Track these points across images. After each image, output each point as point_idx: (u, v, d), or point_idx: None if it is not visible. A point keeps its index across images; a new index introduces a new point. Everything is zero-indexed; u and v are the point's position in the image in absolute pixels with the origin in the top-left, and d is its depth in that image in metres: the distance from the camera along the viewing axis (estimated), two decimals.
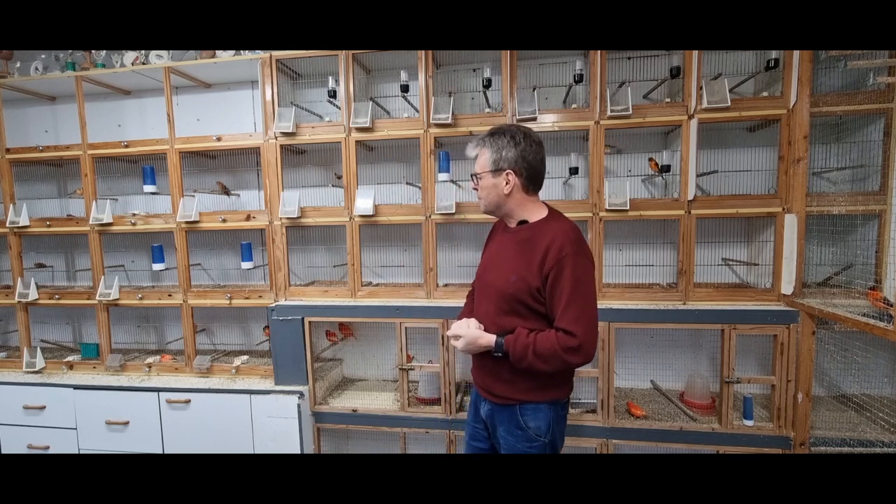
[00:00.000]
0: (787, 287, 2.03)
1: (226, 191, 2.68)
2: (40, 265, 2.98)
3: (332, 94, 2.40)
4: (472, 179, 1.48)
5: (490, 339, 1.42)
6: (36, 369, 2.66)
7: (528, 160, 1.39)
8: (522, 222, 1.46)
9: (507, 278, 1.41)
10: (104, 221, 2.55)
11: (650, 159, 2.33)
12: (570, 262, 1.32)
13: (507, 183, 1.40)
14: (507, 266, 1.43)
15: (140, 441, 2.46)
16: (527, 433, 1.44)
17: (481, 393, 1.56)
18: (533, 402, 1.44)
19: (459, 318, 1.58)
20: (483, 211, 1.50)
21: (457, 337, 1.46)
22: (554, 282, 1.33)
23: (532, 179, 1.42)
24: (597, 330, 1.35)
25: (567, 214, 2.15)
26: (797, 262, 1.99)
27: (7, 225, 2.64)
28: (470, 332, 1.45)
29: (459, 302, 1.98)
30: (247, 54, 2.43)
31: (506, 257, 1.45)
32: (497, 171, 1.40)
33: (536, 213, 1.45)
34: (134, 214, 2.61)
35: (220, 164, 2.80)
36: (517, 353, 1.36)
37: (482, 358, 1.50)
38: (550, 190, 2.52)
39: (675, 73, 2.14)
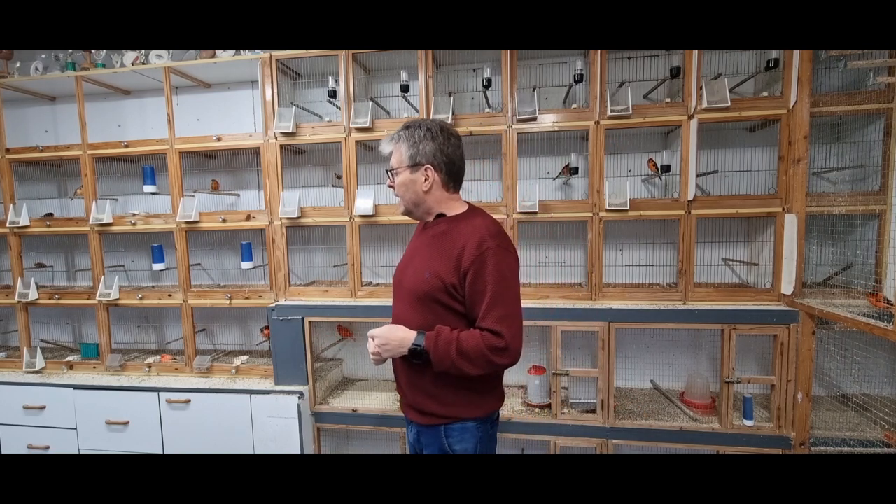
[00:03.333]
0: (787, 287, 2.03)
1: (215, 184, 2.71)
2: (40, 265, 2.98)
3: (332, 94, 2.40)
4: (388, 176, 1.35)
5: (407, 335, 1.26)
6: (36, 369, 2.66)
7: (448, 154, 1.30)
8: (440, 216, 1.36)
9: (421, 276, 1.29)
10: (104, 221, 2.55)
11: (650, 160, 2.34)
12: (491, 256, 1.21)
13: (425, 179, 1.30)
14: (421, 263, 1.32)
15: (140, 441, 2.46)
16: None
17: (407, 413, 1.41)
18: (459, 419, 1.30)
19: None
20: (401, 212, 1.39)
21: (373, 338, 1.29)
22: (475, 278, 1.21)
23: (452, 175, 1.33)
24: (522, 329, 1.23)
25: (567, 214, 2.20)
26: (797, 262, 1.99)
27: (7, 225, 2.64)
28: (385, 329, 1.29)
29: None
30: (247, 54, 2.43)
31: (421, 254, 1.34)
32: (415, 165, 1.30)
33: (456, 209, 1.36)
34: (134, 214, 2.61)
35: (220, 164, 2.80)
36: (439, 351, 1.21)
37: (407, 369, 1.34)
38: (550, 190, 2.52)
39: (675, 73, 2.14)
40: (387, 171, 1.36)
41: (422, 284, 1.28)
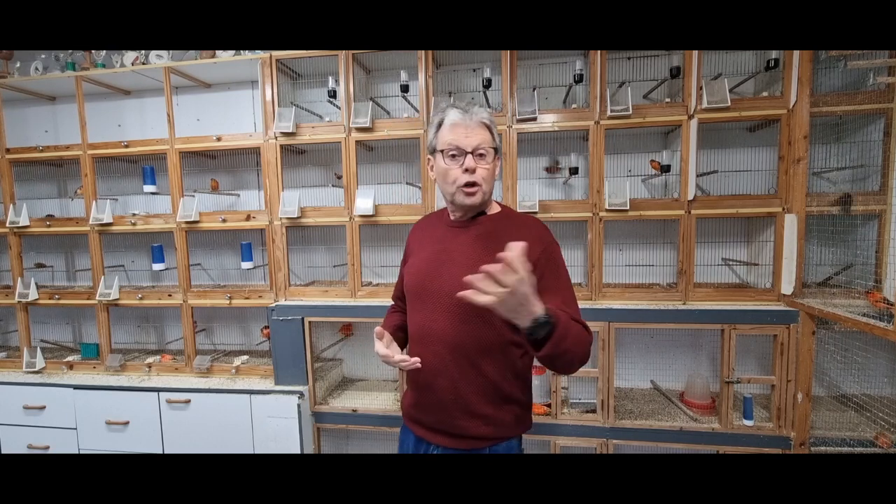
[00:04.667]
0: (787, 287, 2.03)
1: (215, 184, 2.71)
2: (40, 265, 2.98)
3: (332, 94, 2.40)
4: (469, 157, 1.14)
5: (538, 307, 0.94)
6: (36, 369, 2.66)
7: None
8: (479, 214, 1.23)
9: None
10: (104, 221, 2.55)
11: (651, 161, 2.34)
12: (556, 251, 1.17)
13: (497, 169, 1.22)
14: (466, 266, 1.13)
15: (140, 441, 2.46)
16: None
17: (429, 438, 1.23)
18: (505, 438, 1.19)
19: (382, 335, 1.20)
20: (477, 202, 1.17)
21: (498, 283, 0.90)
22: (543, 275, 1.09)
23: None
24: None
25: (567, 214, 2.21)
26: (797, 262, 1.99)
27: (7, 225, 2.64)
28: (521, 283, 0.90)
29: None
30: (247, 54, 2.43)
31: (462, 256, 1.18)
32: (497, 151, 1.20)
33: (493, 206, 1.27)
34: (134, 214, 2.61)
35: (220, 164, 2.80)
36: (562, 328, 0.97)
37: (451, 389, 1.17)
38: (550, 190, 2.52)
39: (675, 73, 2.14)
40: (474, 152, 1.14)
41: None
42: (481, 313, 1.09)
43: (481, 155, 1.15)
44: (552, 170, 2.44)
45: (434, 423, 1.23)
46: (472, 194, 1.16)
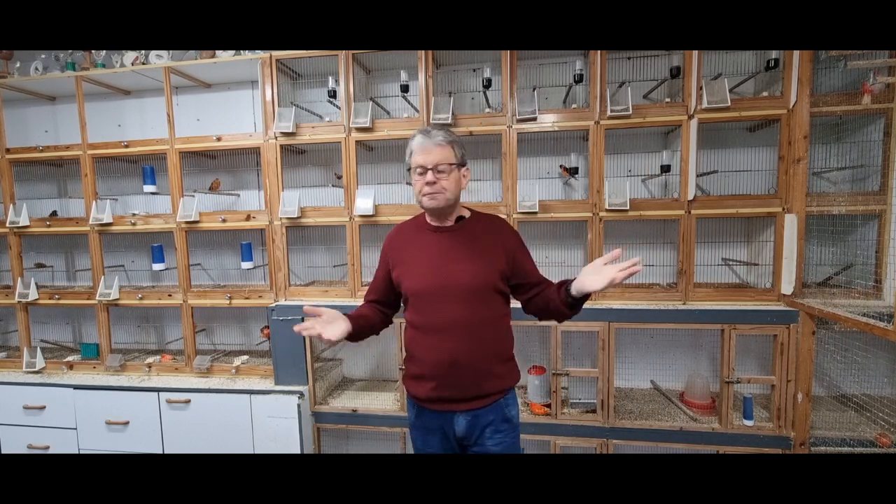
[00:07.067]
0: (787, 287, 2.03)
1: (215, 184, 2.71)
2: (40, 265, 2.98)
3: (332, 94, 2.40)
4: (430, 173, 1.36)
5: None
6: (36, 369, 2.66)
7: None
8: (459, 219, 1.48)
9: (474, 273, 1.40)
10: (104, 221, 2.55)
11: (561, 166, 2.38)
12: (521, 239, 1.52)
13: (465, 178, 1.46)
14: (465, 262, 1.41)
15: (140, 441, 2.46)
16: (511, 423, 1.47)
17: (456, 408, 1.43)
18: (511, 387, 1.50)
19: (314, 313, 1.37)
20: (439, 205, 1.39)
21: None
22: (521, 256, 1.48)
23: None
24: None
25: (567, 214, 2.21)
26: (797, 262, 1.99)
27: (7, 225, 2.64)
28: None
29: None
30: (247, 54, 2.43)
31: (458, 255, 1.42)
32: (461, 165, 1.43)
33: (464, 211, 1.53)
34: (134, 214, 2.61)
35: (220, 164, 2.80)
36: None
37: (476, 359, 1.40)
38: (550, 190, 2.52)
39: (675, 73, 2.14)
40: (433, 168, 1.36)
41: (478, 279, 1.41)
42: (481, 297, 1.41)
43: (441, 171, 1.37)
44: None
45: (462, 395, 1.43)
46: (433, 198, 1.39)
